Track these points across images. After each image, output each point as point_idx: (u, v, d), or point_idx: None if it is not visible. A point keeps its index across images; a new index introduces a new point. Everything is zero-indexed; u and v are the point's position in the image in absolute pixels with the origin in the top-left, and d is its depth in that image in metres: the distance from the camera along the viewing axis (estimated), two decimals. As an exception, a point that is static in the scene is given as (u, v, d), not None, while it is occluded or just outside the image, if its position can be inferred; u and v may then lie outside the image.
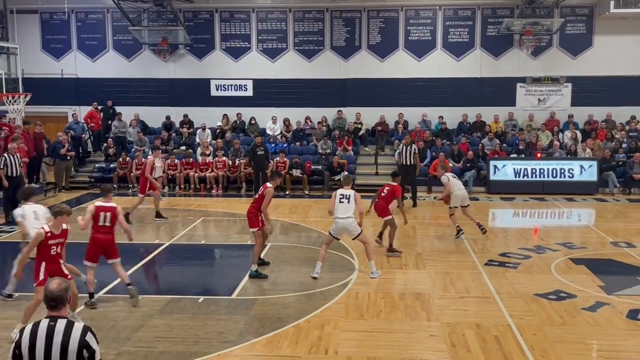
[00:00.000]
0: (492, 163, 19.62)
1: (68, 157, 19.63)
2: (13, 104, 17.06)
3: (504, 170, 19.56)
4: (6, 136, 16.84)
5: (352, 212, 10.51)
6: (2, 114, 18.95)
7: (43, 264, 8.00)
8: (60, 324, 4.22)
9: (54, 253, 8.06)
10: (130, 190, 19.49)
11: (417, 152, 17.59)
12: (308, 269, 11.07)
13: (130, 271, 10.97)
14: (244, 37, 22.94)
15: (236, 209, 16.71)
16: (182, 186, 19.70)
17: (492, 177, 19.52)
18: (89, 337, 4.24)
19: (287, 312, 9.01)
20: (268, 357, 7.54)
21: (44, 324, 4.23)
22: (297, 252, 12.42)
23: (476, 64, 22.30)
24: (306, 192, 19.38)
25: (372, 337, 8.09)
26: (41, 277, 7.91)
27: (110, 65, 23.15)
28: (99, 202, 9.37)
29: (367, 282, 10.42)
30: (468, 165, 19.76)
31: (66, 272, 8.18)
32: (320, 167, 20.03)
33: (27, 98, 17.69)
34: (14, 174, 14.93)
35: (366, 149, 21.83)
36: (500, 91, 22.27)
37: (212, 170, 19.74)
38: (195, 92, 22.97)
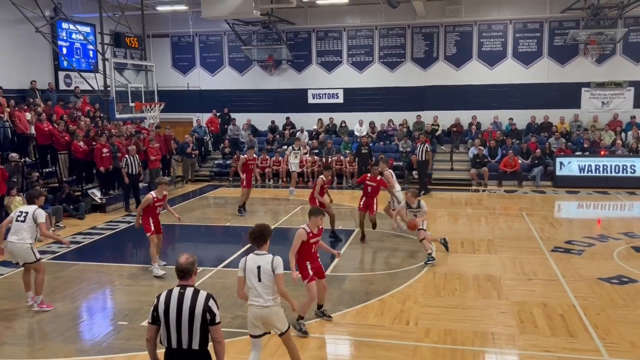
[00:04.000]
0: (558, 160, 18.68)
1: (193, 155, 20.46)
2: (150, 112, 17.92)
3: (570, 166, 18.57)
4: (144, 138, 17.76)
5: None
6: (141, 120, 20.00)
7: (150, 219, 9.78)
8: (189, 292, 4.43)
9: (158, 212, 9.93)
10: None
11: (429, 150, 17.70)
12: (390, 252, 11.03)
13: (241, 251, 11.35)
14: (336, 52, 22.99)
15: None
16: (284, 179, 20.07)
17: (558, 173, 18.59)
18: (211, 303, 4.42)
19: (373, 288, 9.01)
20: (357, 326, 7.58)
21: (176, 291, 4.45)
22: (381, 237, 12.36)
23: (544, 71, 21.25)
24: (389, 185, 19.20)
25: (448, 312, 7.95)
26: (152, 228, 9.78)
27: (226, 79, 23.86)
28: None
29: (443, 264, 10.22)
30: (536, 161, 18.94)
31: (160, 227, 10.04)
32: (401, 163, 19.82)
33: (162, 107, 18.52)
34: (133, 172, 15.43)
35: (442, 147, 21.36)
36: (566, 95, 21.10)
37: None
38: (295, 100, 23.26)
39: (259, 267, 5.52)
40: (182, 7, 20.33)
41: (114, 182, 16.24)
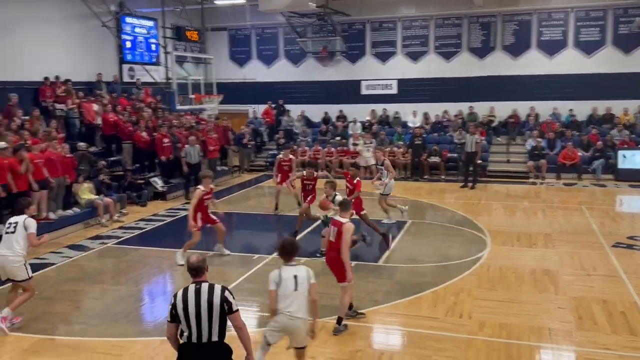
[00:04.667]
0: (620, 152, 17.83)
1: (249, 146, 20.74)
2: (209, 103, 18.27)
3: (633, 159, 17.69)
4: (203, 129, 18.14)
5: None
6: (200, 111, 20.44)
7: (199, 214, 9.76)
8: (204, 287, 4.56)
9: (206, 205, 9.90)
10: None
11: (478, 141, 17.02)
12: (444, 244, 10.84)
13: (300, 235, 11.42)
14: (391, 43, 22.71)
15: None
16: (337, 169, 20.04)
17: (620, 166, 17.75)
18: (227, 294, 4.54)
19: (426, 280, 8.89)
20: (410, 317, 7.50)
21: (192, 288, 4.56)
22: (434, 229, 12.18)
23: (607, 61, 20.24)
24: (442, 176, 18.94)
25: (503, 305, 7.75)
26: (199, 223, 9.76)
27: (281, 71, 24.01)
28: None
29: (498, 257, 9.97)
30: (597, 154, 18.16)
31: (213, 217, 10.12)
32: (455, 155, 19.43)
33: (220, 99, 18.82)
34: (193, 162, 15.80)
35: (498, 139, 20.78)
36: (630, 85, 19.98)
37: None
38: (348, 91, 23.15)
39: (295, 277, 5.41)
40: (241, 1, 20.57)
41: (174, 171, 16.69)
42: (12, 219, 7.49)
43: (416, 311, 7.64)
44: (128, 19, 19.54)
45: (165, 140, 16.04)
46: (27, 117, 14.04)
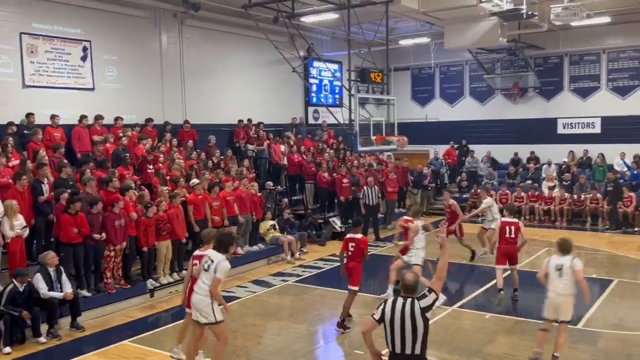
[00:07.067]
0: None
1: (429, 188, 20.58)
2: (390, 145, 18.55)
3: None
4: (382, 170, 18.46)
5: None
6: (380, 152, 20.85)
7: None
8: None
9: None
10: (480, 219, 19.43)
11: None
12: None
13: (480, 291, 10.91)
14: (593, 77, 21.04)
15: (580, 242, 15.22)
16: (527, 217, 18.87)
17: None
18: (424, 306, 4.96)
19: (637, 351, 7.82)
20: (617, 394, 6.64)
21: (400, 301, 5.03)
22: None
23: None
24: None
25: None
26: None
27: (466, 109, 23.59)
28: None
29: None
30: None
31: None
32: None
33: (406, 143, 19.03)
34: (371, 203, 16.16)
35: None
36: None
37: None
38: (541, 130, 21.84)
39: None
40: (425, 40, 20.85)
41: (352, 212, 17.15)
42: (212, 255, 6.85)
43: (626, 389, 6.74)
44: (315, 63, 20.96)
45: (345, 180, 16.65)
46: (222, 157, 15.65)
